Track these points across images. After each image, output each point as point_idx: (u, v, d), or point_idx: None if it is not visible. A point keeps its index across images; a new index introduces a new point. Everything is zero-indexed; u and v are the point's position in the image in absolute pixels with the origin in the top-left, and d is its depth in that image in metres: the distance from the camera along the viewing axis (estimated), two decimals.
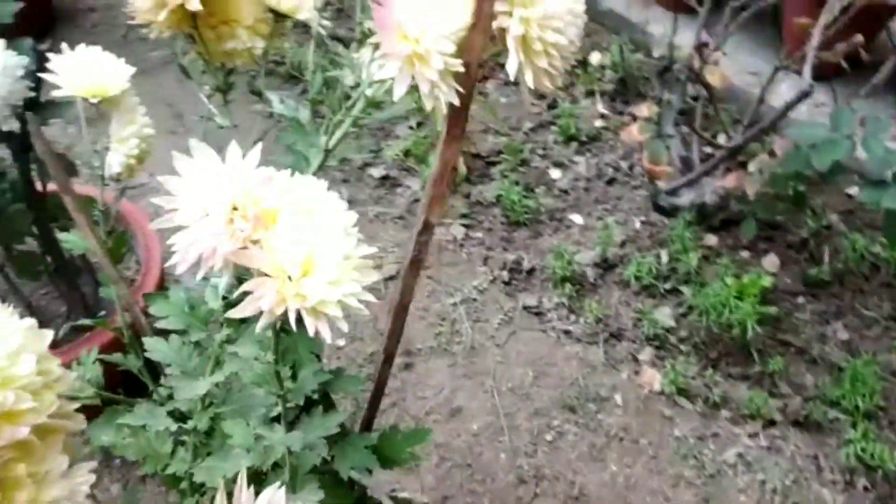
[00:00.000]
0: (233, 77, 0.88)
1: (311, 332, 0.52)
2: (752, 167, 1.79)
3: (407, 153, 2.17)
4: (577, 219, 2.09)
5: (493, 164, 2.19)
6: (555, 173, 2.18)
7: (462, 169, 2.14)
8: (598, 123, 2.29)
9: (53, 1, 2.60)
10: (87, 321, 0.93)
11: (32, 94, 1.01)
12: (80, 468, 0.36)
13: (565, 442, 1.65)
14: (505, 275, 1.94)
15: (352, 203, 1.75)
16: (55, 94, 0.84)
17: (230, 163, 0.53)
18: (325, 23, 0.80)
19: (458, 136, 0.68)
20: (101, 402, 0.93)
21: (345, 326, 0.53)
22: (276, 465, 0.80)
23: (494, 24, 0.59)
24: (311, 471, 0.88)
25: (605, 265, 1.97)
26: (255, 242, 0.52)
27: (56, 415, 0.36)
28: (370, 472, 0.96)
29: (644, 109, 1.69)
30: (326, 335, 0.52)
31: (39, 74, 0.86)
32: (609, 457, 1.64)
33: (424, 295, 1.89)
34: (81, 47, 0.86)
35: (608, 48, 2.46)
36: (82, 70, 0.83)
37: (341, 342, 1.75)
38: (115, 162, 0.85)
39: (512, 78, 0.63)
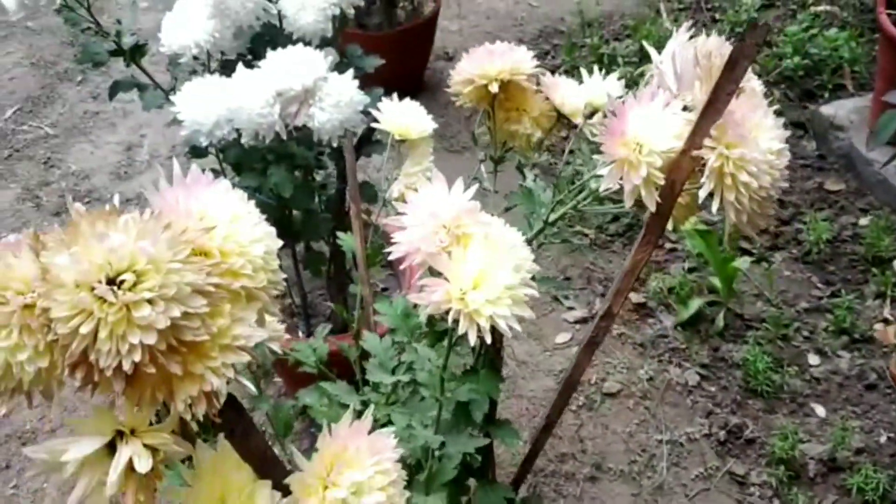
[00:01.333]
0: (508, 153, 1.07)
1: (462, 332, 0.66)
2: None
3: (671, 290, 2.24)
4: (819, 410, 2.00)
5: (753, 328, 2.17)
6: (813, 359, 2.12)
7: (720, 322, 2.16)
8: (879, 326, 2.18)
9: (426, 75, 3.04)
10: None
11: (364, 127, 1.27)
12: (263, 330, 0.52)
13: None
14: (722, 434, 1.92)
15: (589, 320, 1.86)
16: (377, 127, 1.07)
17: (451, 194, 0.70)
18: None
19: (652, 242, 0.79)
20: (318, 373, 1.13)
21: (488, 337, 0.66)
22: (419, 467, 0.94)
23: (700, 154, 0.70)
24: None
25: (832, 465, 1.87)
26: (448, 253, 0.67)
27: (261, 289, 0.53)
28: None
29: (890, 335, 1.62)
30: (472, 338, 0.66)
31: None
32: None
33: (634, 423, 1.93)
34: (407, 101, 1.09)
35: None
36: (400, 115, 1.06)
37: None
38: (395, 189, 1.06)
39: (714, 209, 0.73)
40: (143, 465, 0.48)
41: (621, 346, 2.11)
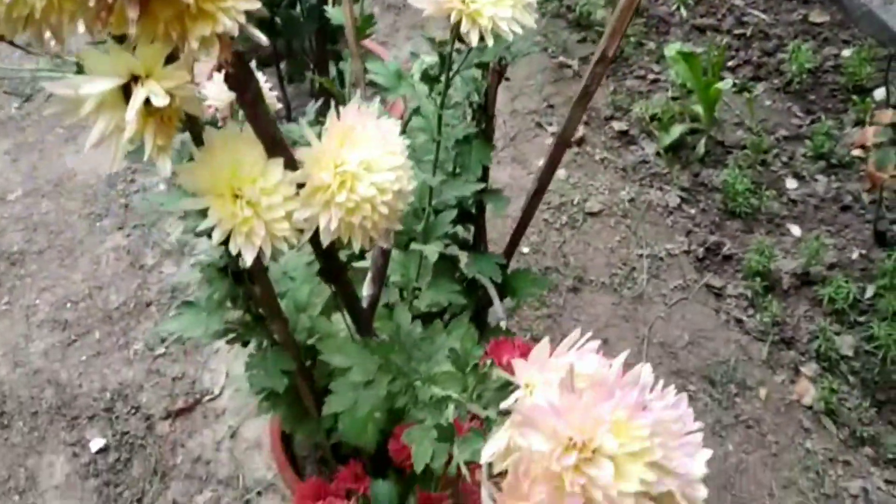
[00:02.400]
0: None
1: (467, 37, 0.66)
2: None
3: (654, 118, 2.25)
4: (795, 230, 2.06)
5: (733, 154, 2.20)
6: (790, 183, 2.16)
7: (701, 148, 2.18)
8: (856, 153, 2.22)
9: None
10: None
11: None
12: None
13: (694, 407, 1.68)
14: (701, 251, 1.98)
15: (583, 143, 1.88)
16: None
17: None
18: None
19: None
20: None
21: (489, 39, 0.66)
22: (417, 217, 0.96)
23: None
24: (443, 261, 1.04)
25: (805, 278, 1.94)
26: None
27: None
28: (493, 283, 1.08)
29: (888, 116, 1.65)
30: (473, 39, 0.66)
31: None
32: (731, 438, 1.65)
33: (616, 239, 1.98)
34: None
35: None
36: None
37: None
38: None
39: None
40: (160, 100, 0.49)
41: (604, 170, 2.14)
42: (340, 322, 0.93)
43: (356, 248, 0.61)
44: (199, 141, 0.59)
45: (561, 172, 2.10)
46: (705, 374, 1.73)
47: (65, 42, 0.50)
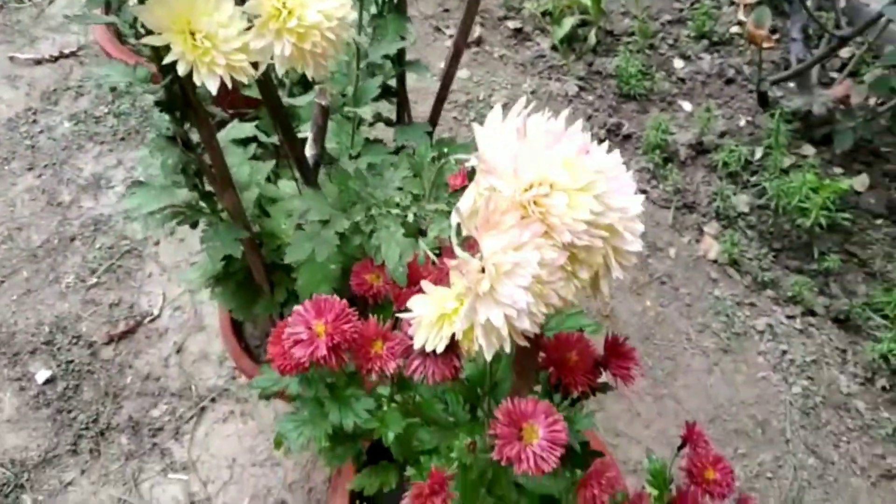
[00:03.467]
0: None
1: None
2: (865, 78, 1.85)
3: (545, 14, 2.33)
4: (686, 105, 2.19)
5: (622, 42, 2.31)
6: (678, 63, 2.29)
7: (592, 39, 2.28)
8: (735, 30, 2.36)
9: None
10: None
11: None
12: None
13: None
14: (601, 133, 2.09)
15: (481, 42, 1.95)
16: None
17: None
18: None
19: None
20: None
21: None
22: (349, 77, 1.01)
23: None
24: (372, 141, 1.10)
25: (699, 148, 2.08)
26: None
27: None
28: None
29: None
30: None
31: None
32: (647, 294, 1.78)
33: None
34: None
35: None
36: None
37: None
38: None
39: None
40: None
41: (504, 67, 2.21)
42: (286, 188, 0.98)
43: (309, 74, 0.67)
44: None
45: (463, 72, 2.17)
46: None
47: None
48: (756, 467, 1.55)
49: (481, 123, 0.57)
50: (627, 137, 2.10)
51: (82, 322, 1.66)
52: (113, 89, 2.06)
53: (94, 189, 1.88)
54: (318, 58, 0.67)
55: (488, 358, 0.54)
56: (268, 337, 1.38)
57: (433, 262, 0.63)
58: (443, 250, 0.64)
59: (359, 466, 1.02)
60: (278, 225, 1.06)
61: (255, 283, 1.15)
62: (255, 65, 0.67)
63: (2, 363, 1.61)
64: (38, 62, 2.15)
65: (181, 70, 0.63)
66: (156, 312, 1.69)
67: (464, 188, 0.68)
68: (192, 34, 0.63)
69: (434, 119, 1.21)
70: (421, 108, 2.10)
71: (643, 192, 1.99)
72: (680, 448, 0.76)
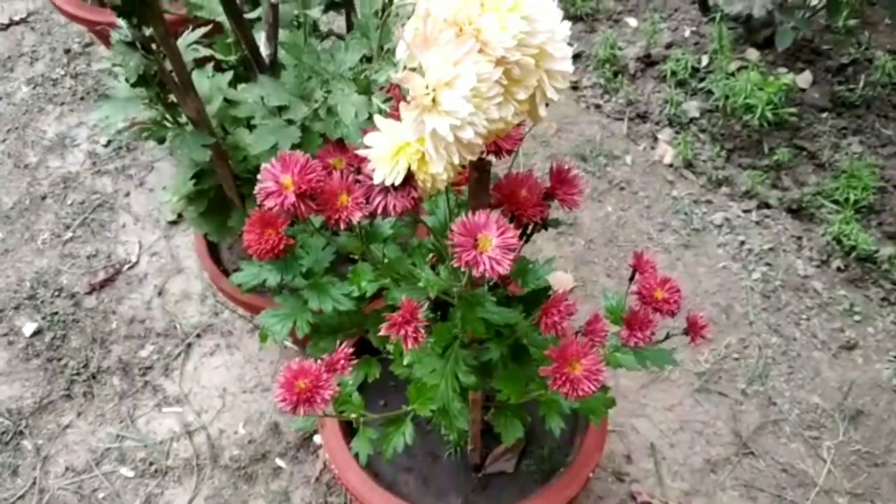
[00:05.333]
0: None
1: None
2: None
3: None
4: (631, 21, 2.25)
5: None
6: None
7: None
8: None
9: None
10: None
11: None
12: None
13: None
14: None
15: None
16: None
17: None
18: None
19: None
20: None
21: None
22: None
23: None
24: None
25: (648, 60, 2.13)
26: None
27: None
28: None
29: None
30: None
31: None
32: (607, 200, 1.85)
33: None
34: None
35: None
36: None
37: None
38: None
39: None
40: None
41: None
42: (248, 90, 1.03)
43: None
44: None
45: None
46: (577, 153, 1.92)
47: None
48: (723, 350, 1.62)
49: None
50: (577, 56, 2.16)
51: (62, 275, 1.70)
52: (67, 51, 2.08)
53: (60, 149, 1.91)
54: None
55: (441, 177, 0.60)
56: (242, 258, 1.43)
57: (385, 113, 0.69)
58: (394, 98, 0.69)
59: None
60: (242, 136, 1.10)
61: (226, 199, 1.19)
62: None
63: None
64: None
65: None
66: (133, 259, 1.73)
67: None
68: None
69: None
70: None
71: (597, 106, 2.05)
72: (631, 279, 0.83)
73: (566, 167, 0.74)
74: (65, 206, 1.81)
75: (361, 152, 0.63)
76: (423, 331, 0.68)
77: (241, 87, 1.03)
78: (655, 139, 1.99)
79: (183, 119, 1.04)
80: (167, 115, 1.03)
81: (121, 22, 0.87)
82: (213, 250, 1.40)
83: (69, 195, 1.82)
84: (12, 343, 1.61)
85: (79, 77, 2.04)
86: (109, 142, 1.91)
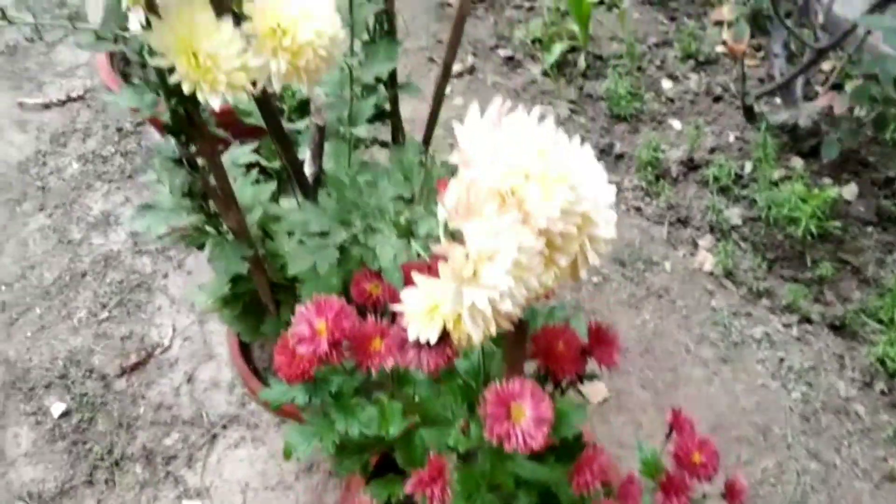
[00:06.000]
0: None
1: None
2: (847, 89, 1.90)
3: (535, 41, 2.40)
4: (675, 124, 2.25)
5: (611, 65, 2.37)
6: (666, 83, 2.35)
7: (581, 64, 2.35)
8: (720, 49, 2.43)
9: None
10: None
11: None
12: None
13: (609, 287, 1.85)
14: (595, 153, 2.14)
15: (474, 71, 2.01)
16: None
17: None
18: None
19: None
20: None
21: None
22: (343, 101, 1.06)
23: None
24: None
25: (690, 164, 2.13)
26: None
27: None
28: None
29: (724, 12, 1.84)
30: None
31: None
32: (645, 307, 1.82)
33: None
34: None
35: None
36: None
37: None
38: None
39: None
40: None
41: (496, 93, 2.27)
42: (287, 203, 1.03)
43: (304, 90, 0.72)
44: (151, 8, 0.68)
45: (458, 100, 2.23)
46: (615, 258, 1.90)
47: None
48: (759, 474, 1.57)
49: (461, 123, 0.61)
50: (620, 157, 2.16)
51: (95, 355, 1.71)
52: (119, 129, 2.13)
53: (104, 226, 1.93)
54: (312, 74, 0.72)
55: (476, 341, 0.58)
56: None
57: (424, 261, 0.68)
58: (433, 249, 0.68)
59: (367, 480, 1.05)
60: (282, 245, 1.10)
61: (261, 303, 1.19)
62: (253, 84, 0.72)
63: (18, 398, 1.65)
64: (47, 106, 2.22)
65: (186, 89, 0.68)
66: (166, 343, 1.73)
67: None
68: (195, 55, 0.68)
69: (427, 138, 1.26)
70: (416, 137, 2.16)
71: (637, 209, 2.04)
72: (668, 435, 0.80)
73: (605, 326, 0.72)
74: (104, 284, 1.82)
75: (396, 308, 0.62)
76: (450, 491, 0.65)
77: (282, 201, 1.04)
78: (696, 245, 1.97)
79: (223, 227, 1.04)
80: (208, 224, 1.04)
81: (166, 141, 0.88)
82: (245, 346, 1.40)
83: (109, 273, 1.84)
84: (40, 423, 1.61)
85: (128, 155, 2.08)
86: None
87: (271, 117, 0.83)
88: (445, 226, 0.62)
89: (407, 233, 0.69)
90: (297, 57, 0.70)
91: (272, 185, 1.07)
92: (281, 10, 0.69)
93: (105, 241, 1.91)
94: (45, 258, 1.88)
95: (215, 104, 0.69)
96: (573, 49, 2.39)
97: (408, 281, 0.77)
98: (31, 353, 1.72)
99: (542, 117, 0.61)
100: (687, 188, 2.09)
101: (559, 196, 0.58)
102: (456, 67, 2.32)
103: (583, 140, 1.97)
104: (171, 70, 0.68)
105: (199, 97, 0.69)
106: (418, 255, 0.68)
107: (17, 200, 1.99)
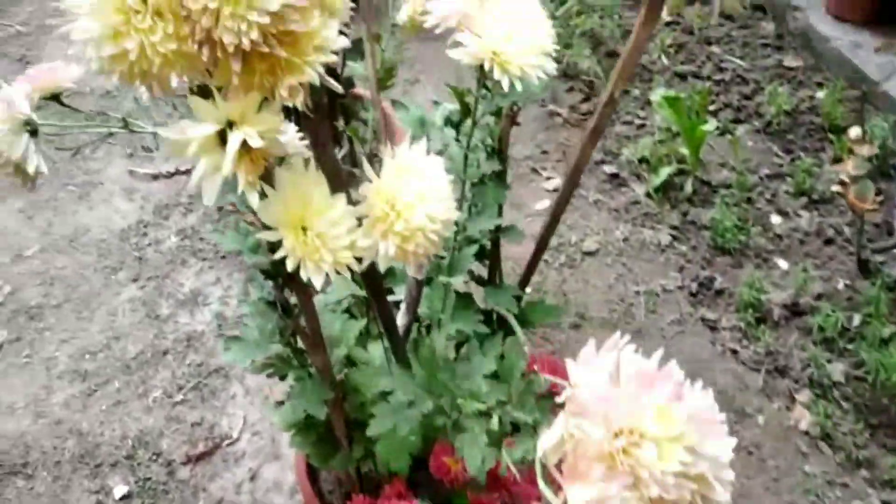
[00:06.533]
0: None
1: (500, 81, 0.75)
2: None
3: (642, 160, 2.35)
4: (782, 263, 2.15)
5: (719, 193, 2.30)
6: (775, 219, 2.26)
7: (688, 188, 2.28)
8: (836, 189, 2.33)
9: None
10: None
11: None
12: (343, 39, 0.61)
13: None
14: (694, 286, 2.06)
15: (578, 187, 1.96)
16: None
17: None
18: None
19: (653, 20, 0.88)
20: None
21: (517, 84, 0.75)
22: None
23: None
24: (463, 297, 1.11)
25: (794, 309, 2.02)
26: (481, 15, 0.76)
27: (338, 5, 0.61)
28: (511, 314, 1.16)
29: (865, 149, 1.76)
30: (505, 84, 0.75)
31: None
32: (733, 464, 1.71)
33: (612, 277, 2.06)
34: None
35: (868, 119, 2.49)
36: None
37: None
38: (404, 13, 1.13)
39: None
40: (257, 142, 0.57)
41: (598, 212, 2.23)
42: (374, 351, 1.00)
43: (410, 273, 0.68)
44: (267, 180, 0.66)
45: None
46: None
47: (168, 89, 0.58)
48: None
49: (573, 267, 0.57)
50: (720, 293, 2.07)
51: (164, 439, 1.70)
52: (220, 209, 2.16)
53: (192, 305, 1.95)
54: (420, 257, 0.69)
55: None
56: (342, 484, 1.38)
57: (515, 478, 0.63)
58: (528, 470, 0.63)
59: None
60: (364, 381, 1.07)
61: (334, 436, 1.15)
62: (359, 260, 0.69)
63: (83, 473, 1.65)
64: (155, 177, 2.28)
65: (289, 266, 0.66)
66: (235, 435, 1.71)
67: (550, 396, 0.68)
68: (304, 230, 0.66)
69: (525, 282, 1.22)
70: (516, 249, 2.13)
71: (734, 352, 1.94)
72: None
73: None
74: (183, 364, 1.83)
75: None
76: None
77: (370, 347, 1.01)
78: (793, 399, 1.85)
79: (308, 361, 1.02)
80: (294, 357, 1.01)
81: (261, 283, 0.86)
82: (312, 468, 1.36)
83: (189, 355, 1.85)
84: (100, 503, 1.60)
85: None
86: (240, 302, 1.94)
87: (375, 290, 0.81)
88: (542, 466, 0.57)
89: (498, 443, 0.64)
90: (408, 241, 0.67)
91: (361, 324, 1.05)
92: (398, 194, 0.66)
93: (191, 320, 1.92)
94: (131, 330, 1.90)
95: (317, 283, 0.66)
96: (681, 172, 2.33)
97: (493, 484, 0.73)
98: (103, 427, 1.72)
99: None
100: (788, 335, 1.98)
101: (676, 459, 0.52)
102: (556, 181, 2.29)
103: (682, 269, 1.89)
104: (278, 245, 0.66)
105: (302, 275, 0.66)
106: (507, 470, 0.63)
107: (114, 268, 2.03)
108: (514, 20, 0.75)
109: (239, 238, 0.84)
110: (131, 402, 1.76)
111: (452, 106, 1.03)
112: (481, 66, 0.76)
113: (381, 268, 0.68)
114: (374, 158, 1.22)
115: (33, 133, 0.77)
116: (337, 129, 1.29)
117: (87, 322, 1.92)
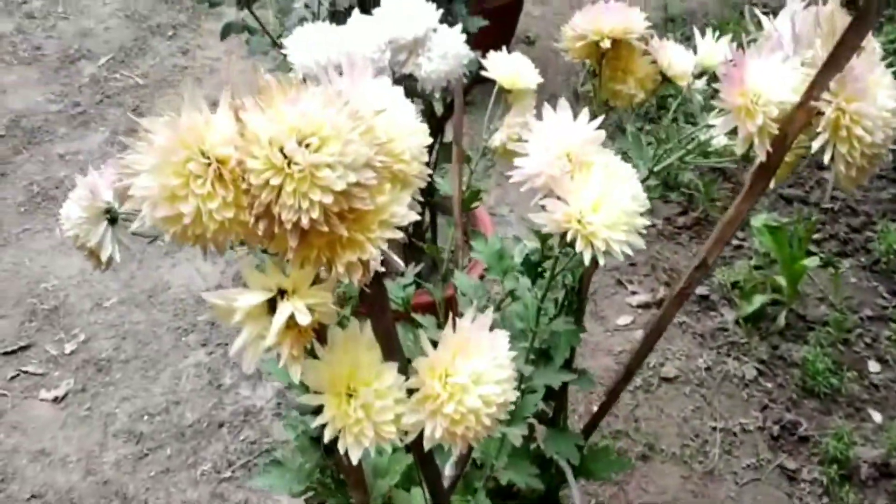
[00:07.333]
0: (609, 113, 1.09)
1: (580, 254, 0.70)
2: None
3: (735, 285, 2.25)
4: (876, 416, 2.00)
5: (814, 330, 2.17)
6: (873, 366, 2.11)
7: (781, 321, 2.17)
8: None
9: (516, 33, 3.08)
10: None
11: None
12: (414, 213, 0.57)
13: None
14: (776, 429, 1.93)
15: (663, 304, 1.88)
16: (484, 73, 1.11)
17: (572, 123, 0.74)
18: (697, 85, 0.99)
19: (758, 193, 0.82)
20: (404, 311, 1.17)
21: (601, 259, 0.70)
22: None
23: (817, 106, 0.73)
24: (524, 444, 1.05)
25: (884, 470, 1.87)
26: (570, 178, 0.71)
27: (414, 176, 0.58)
28: (570, 465, 1.09)
29: None
30: (586, 258, 0.69)
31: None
32: None
33: (689, 408, 1.95)
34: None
35: None
36: (508, 65, 1.10)
37: None
38: (497, 139, 1.10)
39: (825, 160, 0.75)
40: (304, 319, 0.53)
41: (682, 335, 2.13)
42: (417, 496, 0.94)
43: (454, 454, 0.63)
44: (322, 340, 0.62)
45: (640, 333, 2.11)
46: None
47: (224, 251, 0.55)
48: None
49: (648, 392, 0.50)
50: (804, 440, 1.93)
51: None
52: None
53: (255, 378, 1.93)
54: (469, 440, 0.64)
55: None
56: None
57: None
58: None
59: None
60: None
61: None
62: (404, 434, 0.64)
63: None
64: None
65: (327, 436, 0.62)
66: None
67: None
68: (349, 398, 0.61)
69: (591, 429, 1.14)
70: (588, 363, 2.05)
71: None
72: None
73: None
74: (236, 440, 1.80)
75: None
76: None
77: (413, 490, 0.95)
78: None
79: (349, 494, 0.97)
80: (335, 489, 0.96)
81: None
82: None
83: (245, 430, 1.82)
84: None
85: None
86: None
87: (422, 456, 0.75)
88: None
89: None
90: (457, 425, 0.62)
91: (409, 459, 0.99)
92: (452, 372, 0.62)
93: (251, 394, 1.90)
94: (191, 396, 1.89)
95: (354, 457, 0.62)
96: (775, 302, 2.21)
97: None
98: (148, 494, 1.70)
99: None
100: (875, 498, 1.83)
101: None
102: (642, 297, 2.21)
103: (765, 409, 1.76)
104: (318, 410, 0.62)
105: (339, 445, 0.61)
106: None
107: (186, 330, 2.04)
108: (605, 185, 0.70)
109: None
110: (180, 471, 1.74)
111: (533, 244, 0.98)
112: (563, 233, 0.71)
113: (426, 447, 0.63)
114: (448, 277, 1.18)
115: (112, 221, 0.76)
116: (416, 245, 1.27)
117: (151, 382, 1.92)
